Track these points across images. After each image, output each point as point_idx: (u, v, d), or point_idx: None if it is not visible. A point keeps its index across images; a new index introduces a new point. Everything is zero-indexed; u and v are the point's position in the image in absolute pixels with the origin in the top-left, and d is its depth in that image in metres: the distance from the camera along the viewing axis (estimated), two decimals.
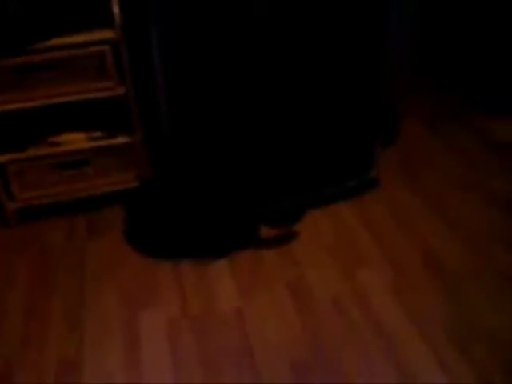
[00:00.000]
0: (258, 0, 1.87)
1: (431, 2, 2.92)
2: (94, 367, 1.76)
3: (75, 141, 2.16)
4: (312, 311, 1.88)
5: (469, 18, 2.90)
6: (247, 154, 2.14)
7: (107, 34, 2.00)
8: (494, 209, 2.27)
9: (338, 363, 1.73)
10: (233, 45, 1.96)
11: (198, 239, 2.12)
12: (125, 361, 1.77)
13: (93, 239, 2.19)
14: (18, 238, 2.21)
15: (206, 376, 1.72)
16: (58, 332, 1.86)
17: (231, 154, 2.13)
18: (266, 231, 2.19)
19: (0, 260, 2.13)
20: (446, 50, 3.08)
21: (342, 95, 2.14)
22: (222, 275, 2.04)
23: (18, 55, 1.92)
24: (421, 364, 1.72)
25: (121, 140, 2.19)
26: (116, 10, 1.97)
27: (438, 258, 2.07)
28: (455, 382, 1.67)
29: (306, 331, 1.82)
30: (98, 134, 2.19)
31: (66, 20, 1.96)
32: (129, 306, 1.94)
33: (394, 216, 2.26)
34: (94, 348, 1.81)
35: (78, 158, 2.18)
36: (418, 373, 1.70)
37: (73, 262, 2.10)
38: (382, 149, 2.46)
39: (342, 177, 2.31)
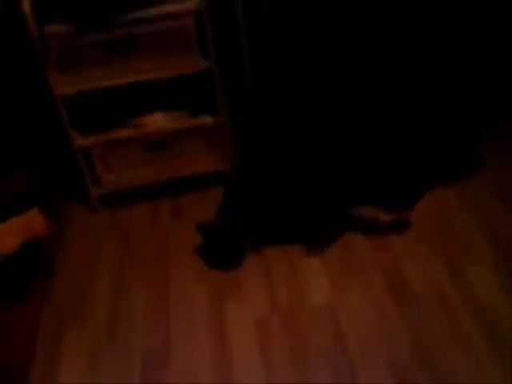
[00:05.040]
0: None
1: None
2: (180, 363, 1.65)
3: (158, 122, 2.10)
4: (412, 307, 1.71)
5: None
6: (343, 133, 1.95)
7: (190, 4, 1.90)
8: None
9: (440, 362, 1.54)
10: (326, 22, 1.81)
11: (287, 222, 1.95)
12: (212, 358, 1.66)
13: (177, 223, 2.12)
14: (102, 223, 2.19)
15: (298, 376, 1.57)
16: (143, 322, 1.79)
17: (325, 130, 1.95)
18: (376, 214, 1.99)
19: (85, 245, 2.11)
20: None
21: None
22: (313, 266, 1.88)
23: (101, 29, 1.88)
24: None
25: (205, 120, 2.10)
26: None
27: None
28: None
29: (405, 328, 1.65)
30: (182, 113, 2.11)
31: None
32: (215, 299, 1.83)
33: (503, 201, 1.99)
34: (181, 341, 1.71)
35: (161, 140, 2.12)
36: None
37: (157, 247, 2.04)
38: (490, 127, 2.18)
39: (445, 155, 2.06)
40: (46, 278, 1.98)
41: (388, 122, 1.95)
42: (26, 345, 1.76)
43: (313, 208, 1.92)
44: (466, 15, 1.85)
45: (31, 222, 1.97)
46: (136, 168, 2.17)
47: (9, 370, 1.69)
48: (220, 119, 2.08)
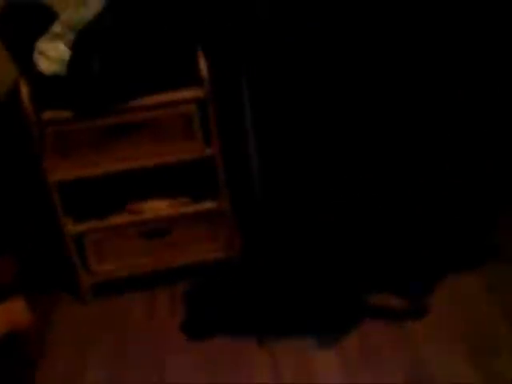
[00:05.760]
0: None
1: None
2: None
3: (157, 207, 2.02)
4: None
5: None
6: (353, 217, 1.90)
7: (194, 92, 1.87)
8: None
9: None
10: (336, 102, 1.77)
11: (296, 314, 1.87)
12: None
13: (176, 317, 1.99)
14: (93, 316, 2.05)
15: None
16: None
17: (333, 221, 1.90)
18: (393, 300, 1.92)
19: (73, 340, 1.96)
20: None
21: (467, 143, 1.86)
22: (327, 360, 1.76)
23: (101, 116, 1.83)
24: None
25: (206, 206, 2.03)
26: (203, 66, 1.86)
27: None
28: None
29: None
30: (182, 200, 2.03)
31: (151, 79, 1.85)
32: None
33: None
34: None
35: (160, 227, 2.03)
36: None
37: (153, 344, 1.90)
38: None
39: (458, 241, 2.01)
40: (26, 380, 1.82)
41: (402, 208, 1.91)
42: None
43: (325, 296, 1.85)
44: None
45: (12, 313, 1.82)
46: (132, 256, 2.06)
47: None
48: (222, 206, 2.02)
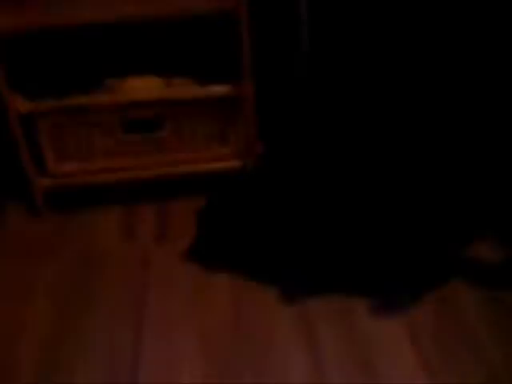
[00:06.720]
0: None
1: None
2: None
3: (146, 87, 1.63)
4: None
5: None
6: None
7: None
8: None
9: None
10: None
11: (344, 260, 1.41)
12: None
13: (161, 244, 1.66)
14: (48, 234, 1.71)
15: None
16: None
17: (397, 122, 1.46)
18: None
19: (19, 267, 1.60)
20: None
21: None
22: (387, 338, 1.31)
23: None
24: None
25: (217, 90, 1.62)
26: None
27: None
28: None
29: None
30: (183, 79, 1.65)
31: None
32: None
33: None
34: None
35: (147, 116, 1.66)
36: None
37: (129, 278, 1.56)
38: None
39: None
40: None
41: None
42: None
43: (388, 237, 1.38)
44: None
45: None
46: (105, 155, 1.69)
47: None
48: (243, 91, 1.57)
